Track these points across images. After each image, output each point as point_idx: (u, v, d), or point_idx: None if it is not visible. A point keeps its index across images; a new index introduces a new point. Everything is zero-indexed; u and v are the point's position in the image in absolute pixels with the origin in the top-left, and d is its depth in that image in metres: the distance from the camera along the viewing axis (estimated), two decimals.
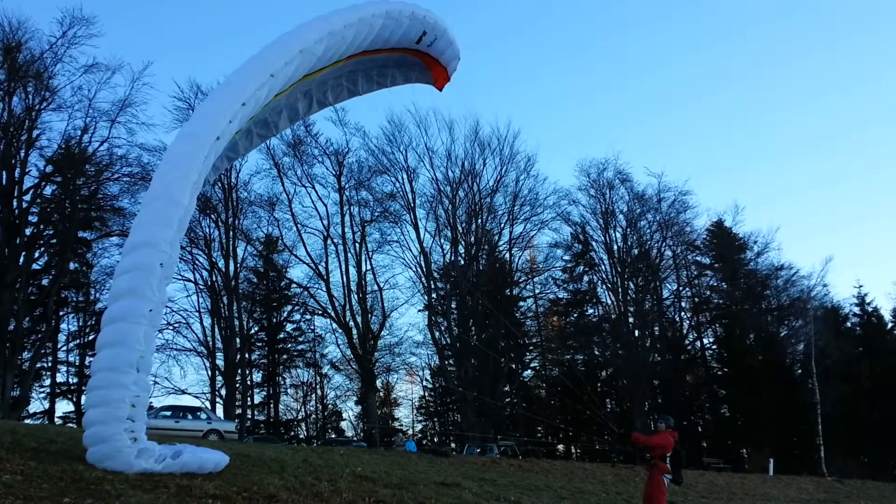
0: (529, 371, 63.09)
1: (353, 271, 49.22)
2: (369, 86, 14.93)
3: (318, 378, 60.75)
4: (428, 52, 14.25)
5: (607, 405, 60.78)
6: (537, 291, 59.55)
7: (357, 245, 49.83)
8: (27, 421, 37.75)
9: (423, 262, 51.13)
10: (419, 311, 54.56)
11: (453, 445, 51.84)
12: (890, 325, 59.03)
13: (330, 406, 63.04)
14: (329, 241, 48.98)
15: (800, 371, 54.19)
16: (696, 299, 60.25)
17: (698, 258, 60.87)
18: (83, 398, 8.88)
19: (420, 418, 71.21)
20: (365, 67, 14.45)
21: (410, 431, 67.38)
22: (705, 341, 60.31)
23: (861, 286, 61.70)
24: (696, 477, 26.50)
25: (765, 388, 48.70)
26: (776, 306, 57.00)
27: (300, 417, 61.27)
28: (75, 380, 49.52)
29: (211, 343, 46.88)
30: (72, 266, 46.65)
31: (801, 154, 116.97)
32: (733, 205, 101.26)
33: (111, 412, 9.49)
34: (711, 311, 59.45)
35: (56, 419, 46.75)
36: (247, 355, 49.38)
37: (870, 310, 59.12)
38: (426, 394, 69.95)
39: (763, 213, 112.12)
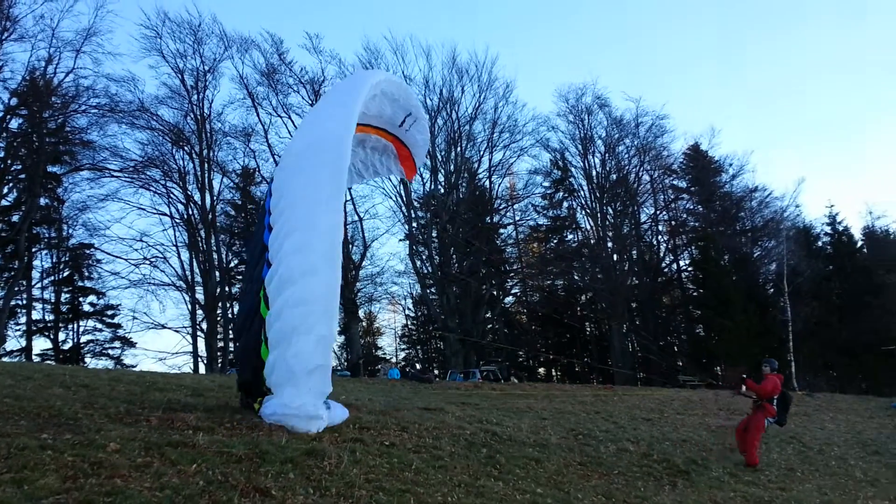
0: (511, 297, 63.75)
1: None
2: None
3: None
4: (405, 138, 13.55)
5: (587, 328, 61.83)
6: (517, 218, 59.74)
7: None
8: (4, 359, 37.61)
9: (402, 192, 50.88)
10: (400, 240, 54.74)
11: (437, 372, 52.61)
12: (859, 243, 59.89)
13: None
14: None
15: (772, 290, 55.11)
16: (673, 222, 60.72)
17: (675, 182, 61.15)
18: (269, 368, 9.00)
19: (403, 346, 72.06)
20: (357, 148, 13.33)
21: (394, 359, 68.26)
22: (681, 263, 61.13)
23: (832, 206, 62.64)
24: (672, 394, 27.13)
25: (738, 308, 49.61)
26: (750, 228, 57.60)
27: None
28: (51, 317, 49.19)
29: (190, 277, 46.63)
30: (42, 202, 45.80)
31: (775, 76, 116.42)
32: (709, 128, 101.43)
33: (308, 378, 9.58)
34: (687, 234, 59.97)
35: (34, 356, 46.65)
36: (227, 289, 49.22)
37: (840, 229, 59.86)
38: (409, 322, 70.61)
39: (738, 135, 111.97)
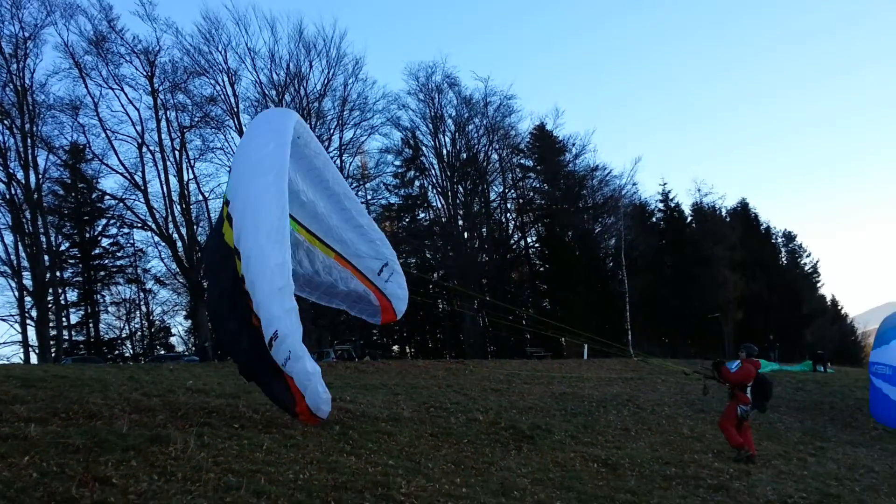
0: None
1: (173, 181, 46.54)
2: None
3: (141, 294, 58.05)
4: (384, 289, 13.28)
5: (439, 305, 62.90)
6: (369, 197, 59.49)
7: (176, 153, 46.91)
8: None
9: None
10: None
11: None
12: (689, 218, 64.47)
13: (157, 322, 60.68)
14: (144, 149, 45.82)
15: (611, 264, 58.37)
16: (521, 200, 62.75)
17: (522, 161, 63.04)
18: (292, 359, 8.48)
19: None
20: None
21: None
22: (529, 240, 63.38)
23: (665, 184, 67.15)
24: (520, 365, 28.26)
25: (581, 282, 52.20)
26: (592, 205, 60.45)
27: (124, 336, 58.48)
28: None
29: (15, 262, 43.24)
30: None
31: (616, 58, 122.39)
32: (554, 108, 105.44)
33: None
34: (534, 212, 62.17)
35: None
36: (58, 273, 46.06)
37: (672, 205, 64.25)
38: None
39: (581, 115, 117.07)
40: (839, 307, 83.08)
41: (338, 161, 54.79)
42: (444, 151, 56.87)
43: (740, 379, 12.74)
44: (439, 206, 59.51)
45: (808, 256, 75.96)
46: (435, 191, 59.03)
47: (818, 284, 75.76)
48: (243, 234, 9.67)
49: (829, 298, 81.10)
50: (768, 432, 16.00)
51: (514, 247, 62.91)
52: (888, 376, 18.22)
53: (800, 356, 43.69)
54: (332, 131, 53.16)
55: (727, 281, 55.83)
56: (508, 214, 63.71)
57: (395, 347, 66.30)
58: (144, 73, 45.09)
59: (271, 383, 10.24)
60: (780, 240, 74.51)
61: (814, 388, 24.98)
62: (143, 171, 45.40)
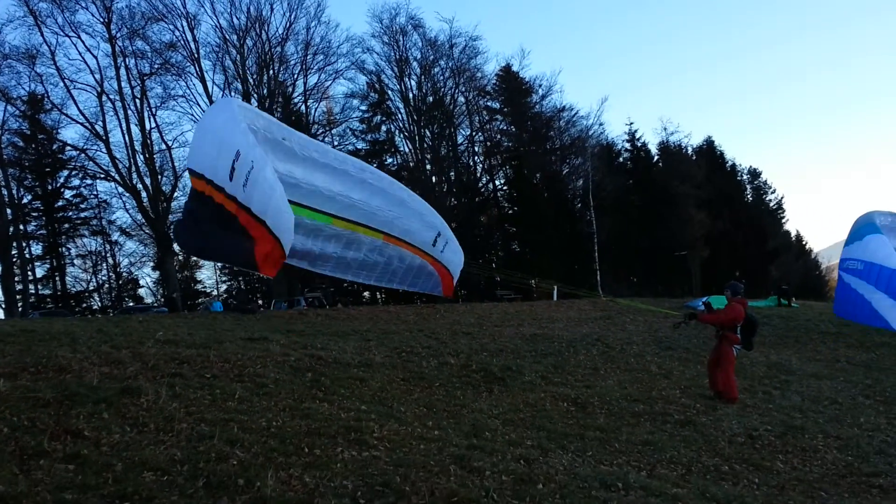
0: None
1: (135, 130, 45.66)
2: None
3: (107, 246, 57.32)
4: (440, 258, 12.81)
5: None
6: (336, 143, 58.79)
7: (137, 101, 45.96)
8: None
9: None
10: None
11: (261, 302, 51.76)
12: (656, 157, 64.75)
13: (124, 274, 60.08)
14: (105, 98, 44.74)
15: (580, 205, 58.64)
16: (488, 143, 62.46)
17: (489, 103, 62.54)
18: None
19: (224, 278, 69.96)
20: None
21: (215, 293, 66.34)
22: (497, 183, 63.30)
23: (632, 123, 67.14)
24: (491, 308, 28.50)
25: (550, 223, 52.50)
26: (559, 146, 60.40)
27: (91, 288, 57.92)
28: None
29: None
30: None
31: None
32: (520, 49, 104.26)
33: None
34: (502, 154, 61.99)
35: None
36: (21, 227, 45.21)
37: (639, 145, 64.42)
38: None
39: (547, 56, 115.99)
40: (803, 242, 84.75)
41: (302, 107, 54.05)
42: (411, 95, 56.25)
43: (730, 319, 12.47)
44: (407, 150, 59.12)
45: (772, 193, 77.04)
46: (402, 135, 58.56)
47: (783, 220, 77.00)
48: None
49: (793, 234, 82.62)
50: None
51: (482, 190, 62.87)
52: (860, 271, 18.47)
53: (765, 292, 44.56)
54: (295, 76, 52.39)
55: (694, 219, 56.51)
56: (476, 158, 63.54)
57: (367, 294, 66.41)
58: (101, 20, 43.86)
59: (224, 238, 8.89)
60: (745, 177, 75.41)
61: (779, 323, 25.52)
62: (103, 121, 44.53)
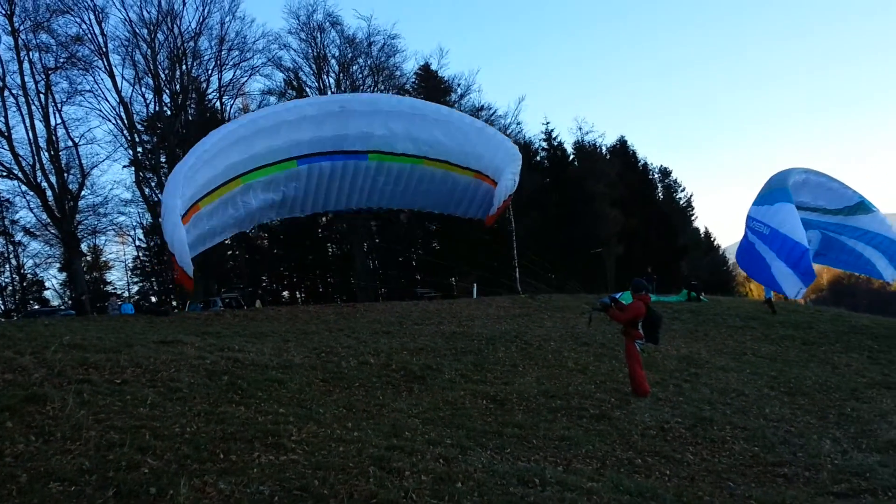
0: None
1: (39, 126, 43.63)
2: None
3: (10, 246, 54.65)
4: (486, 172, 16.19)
5: (329, 249, 62.38)
6: None
7: (42, 96, 43.94)
8: None
9: (123, 114, 46.75)
10: (124, 166, 50.94)
11: (175, 304, 50.36)
12: (571, 156, 66.04)
13: (29, 276, 57.46)
14: (7, 93, 42.65)
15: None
16: None
17: None
18: None
19: (136, 279, 67.78)
20: None
21: (126, 294, 64.18)
22: None
23: (548, 123, 68.40)
24: (411, 306, 28.46)
25: (469, 222, 52.71)
26: None
27: None
28: None
29: None
30: None
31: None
32: (438, 48, 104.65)
33: None
34: None
35: None
36: None
37: (555, 144, 65.57)
38: (140, 254, 66.42)
39: (465, 56, 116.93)
40: (712, 239, 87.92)
41: (217, 104, 52.82)
42: (329, 92, 55.57)
43: (631, 317, 12.91)
44: None
45: (682, 191, 79.58)
46: None
47: (692, 218, 79.63)
48: None
49: (702, 231, 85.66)
50: (646, 361, 16.85)
51: None
52: (765, 236, 19.44)
53: (677, 287, 45.99)
54: (209, 72, 51.10)
55: (608, 216, 57.90)
56: None
57: (286, 293, 65.53)
58: (3, 12, 41.70)
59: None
60: (656, 175, 77.54)
61: (689, 318, 26.36)
62: (5, 116, 42.37)
